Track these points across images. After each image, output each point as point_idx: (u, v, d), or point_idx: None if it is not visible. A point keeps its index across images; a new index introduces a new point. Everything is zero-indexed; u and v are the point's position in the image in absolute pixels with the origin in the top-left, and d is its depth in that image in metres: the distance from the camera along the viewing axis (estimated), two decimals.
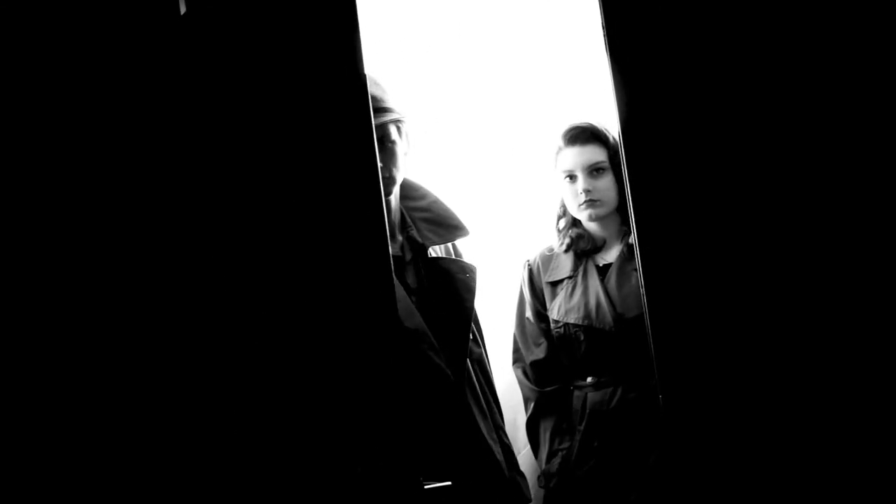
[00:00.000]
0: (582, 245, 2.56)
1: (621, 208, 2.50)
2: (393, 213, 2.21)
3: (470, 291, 2.23)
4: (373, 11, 2.95)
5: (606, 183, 2.48)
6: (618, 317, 2.44)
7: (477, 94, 3.09)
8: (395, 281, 2.03)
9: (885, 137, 1.89)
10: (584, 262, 2.56)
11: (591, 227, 2.57)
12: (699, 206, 1.98)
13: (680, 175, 1.98)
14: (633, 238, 2.15)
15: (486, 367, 2.31)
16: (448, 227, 2.25)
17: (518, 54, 3.07)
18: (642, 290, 1.94)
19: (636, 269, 2.34)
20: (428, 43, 3.08)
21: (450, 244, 2.35)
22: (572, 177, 2.49)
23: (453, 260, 2.28)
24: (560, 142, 2.51)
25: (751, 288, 1.91)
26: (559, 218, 2.63)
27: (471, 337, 2.24)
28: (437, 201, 2.29)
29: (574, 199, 2.50)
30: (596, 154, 2.48)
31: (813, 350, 1.88)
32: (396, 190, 2.22)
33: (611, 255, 2.55)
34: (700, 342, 1.92)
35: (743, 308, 1.91)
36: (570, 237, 2.57)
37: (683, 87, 2.00)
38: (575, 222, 2.59)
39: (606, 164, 2.47)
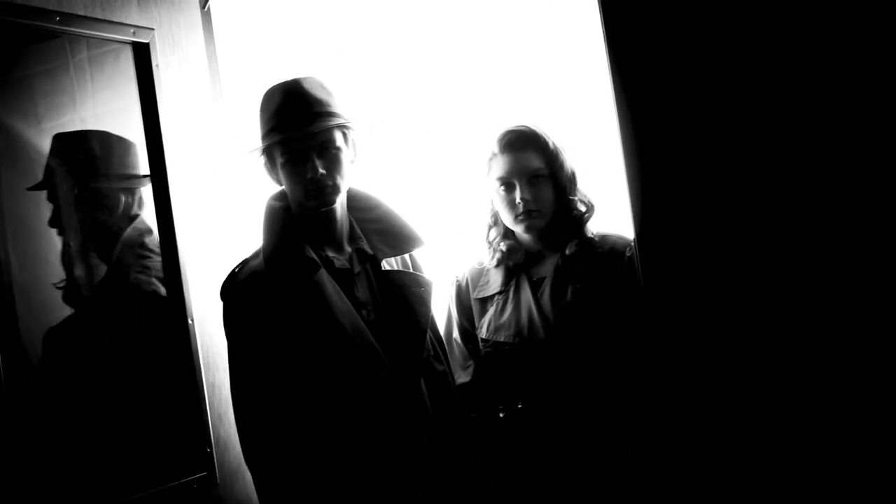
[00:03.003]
0: (515, 259, 2.36)
1: (557, 219, 2.32)
2: (339, 224, 2.11)
3: (424, 306, 2.13)
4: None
5: (546, 192, 2.29)
6: (552, 332, 2.24)
7: (467, 97, 2.96)
8: (342, 296, 2.02)
9: (884, 136, 1.84)
10: (515, 277, 2.35)
11: (526, 239, 2.36)
12: (698, 206, 1.96)
13: (679, 176, 1.97)
14: (632, 241, 2.15)
15: (449, 385, 2.19)
16: (401, 238, 2.15)
17: (508, 59, 2.92)
18: (643, 294, 1.93)
19: (574, 285, 2.26)
20: (420, 44, 2.97)
21: (407, 257, 2.24)
22: (509, 185, 2.28)
23: (407, 273, 2.17)
24: (494, 147, 2.30)
25: (751, 289, 1.89)
26: (489, 229, 2.41)
27: (431, 353, 2.14)
28: (389, 212, 2.18)
29: (510, 210, 2.29)
30: (535, 161, 2.27)
31: (813, 351, 1.85)
32: (342, 199, 2.11)
33: (545, 269, 2.34)
34: (701, 341, 1.91)
35: (743, 308, 1.89)
36: (502, 251, 2.36)
37: (684, 88, 1.98)
38: (507, 234, 2.39)
39: (545, 172, 2.28)
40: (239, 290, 2.05)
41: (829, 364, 1.83)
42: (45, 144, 2.33)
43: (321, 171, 1.99)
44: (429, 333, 2.15)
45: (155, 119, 2.37)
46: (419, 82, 2.94)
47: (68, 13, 2.18)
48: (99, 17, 2.26)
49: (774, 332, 1.88)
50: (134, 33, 2.36)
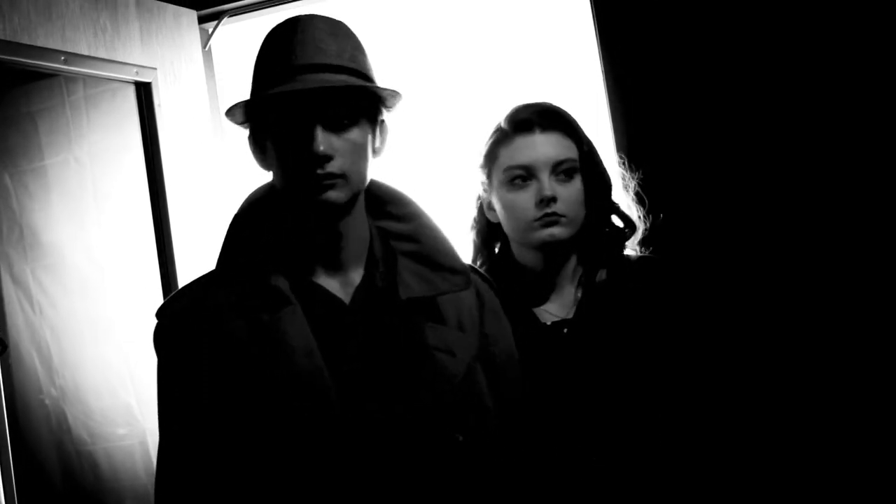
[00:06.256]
0: (527, 291, 1.67)
1: (582, 234, 1.67)
2: (348, 235, 1.39)
3: (445, 379, 1.36)
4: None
5: (575, 192, 1.63)
6: (595, 402, 1.58)
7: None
8: (311, 347, 1.32)
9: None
10: (521, 319, 1.61)
11: (531, 260, 1.67)
12: (698, 205, 2.00)
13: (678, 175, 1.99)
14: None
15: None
16: (441, 271, 1.41)
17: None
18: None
19: (627, 324, 1.60)
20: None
21: (474, 302, 1.47)
22: (525, 177, 1.62)
23: (435, 328, 1.39)
24: (505, 125, 1.67)
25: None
26: (478, 249, 1.75)
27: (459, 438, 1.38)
28: (431, 228, 1.45)
29: (523, 212, 1.62)
30: (566, 148, 1.64)
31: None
32: (360, 200, 1.40)
33: (561, 306, 1.67)
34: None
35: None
36: (504, 281, 1.63)
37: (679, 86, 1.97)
38: (503, 255, 1.72)
39: (577, 165, 1.64)
40: (173, 323, 1.39)
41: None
42: (48, 180, 2.36)
43: (325, 150, 1.30)
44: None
45: (157, 157, 2.38)
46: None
47: (73, 53, 2.19)
48: (103, 56, 2.28)
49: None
50: (137, 73, 2.38)
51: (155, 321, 1.39)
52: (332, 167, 1.31)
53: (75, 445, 2.20)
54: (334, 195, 1.32)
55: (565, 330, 1.64)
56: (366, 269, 1.40)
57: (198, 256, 2.47)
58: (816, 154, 1.98)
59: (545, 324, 1.65)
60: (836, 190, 1.96)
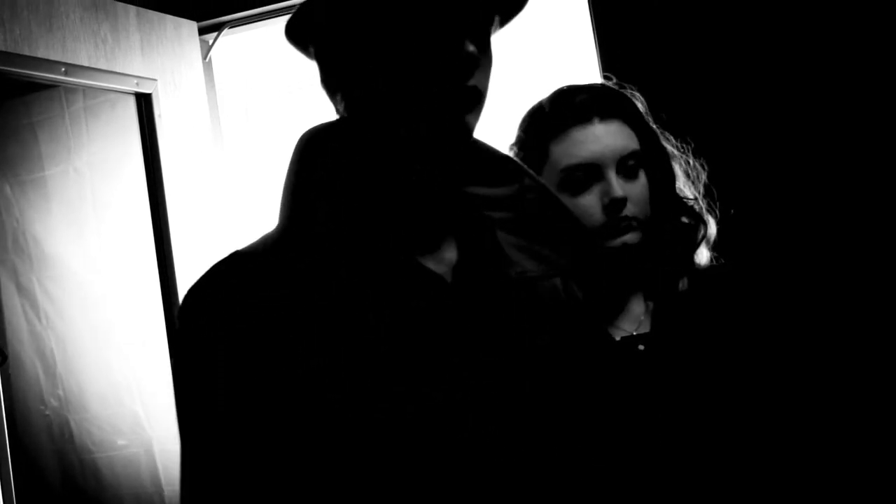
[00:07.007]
0: (588, 303, 1.30)
1: (648, 236, 1.41)
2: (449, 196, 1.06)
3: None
4: None
5: (643, 189, 1.38)
6: (688, 435, 1.30)
7: None
8: (412, 325, 0.97)
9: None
10: (586, 334, 1.32)
11: (597, 269, 1.42)
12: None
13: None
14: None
15: None
16: (566, 242, 1.09)
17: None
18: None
19: (718, 341, 1.34)
20: None
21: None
22: (587, 177, 1.36)
23: (552, 311, 1.11)
24: (554, 115, 1.39)
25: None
26: None
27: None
28: (538, 186, 1.10)
29: (594, 218, 1.35)
30: (629, 138, 1.38)
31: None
32: None
33: (631, 320, 1.41)
34: None
35: None
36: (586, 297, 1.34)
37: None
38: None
39: (641, 156, 1.39)
40: (217, 317, 0.94)
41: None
42: (49, 189, 2.36)
43: (478, 53, 0.93)
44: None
45: (157, 168, 2.39)
46: None
47: (73, 64, 2.20)
48: (103, 67, 2.29)
49: None
50: (137, 84, 2.39)
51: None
52: (477, 81, 0.94)
53: (78, 454, 2.20)
54: (473, 120, 0.96)
55: (640, 346, 1.37)
56: (459, 242, 1.05)
57: (198, 266, 2.48)
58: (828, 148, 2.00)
59: (613, 338, 1.37)
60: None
